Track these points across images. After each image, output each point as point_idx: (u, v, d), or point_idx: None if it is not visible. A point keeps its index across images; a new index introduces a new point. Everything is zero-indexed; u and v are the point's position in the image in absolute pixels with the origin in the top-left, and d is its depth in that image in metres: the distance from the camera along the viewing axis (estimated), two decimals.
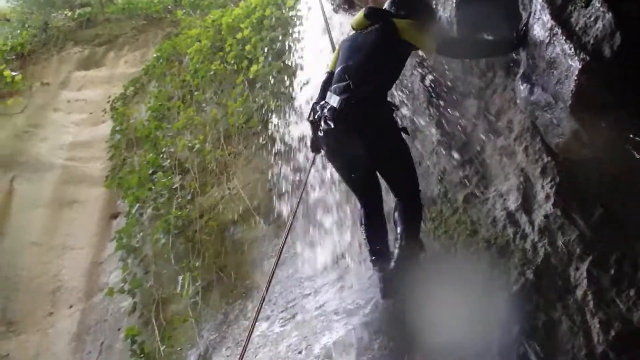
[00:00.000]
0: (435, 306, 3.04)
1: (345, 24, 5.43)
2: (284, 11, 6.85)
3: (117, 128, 8.10)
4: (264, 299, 3.35)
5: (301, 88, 5.69)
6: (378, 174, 3.55)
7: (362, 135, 3.28)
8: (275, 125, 5.74)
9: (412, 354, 3.13)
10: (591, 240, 2.74)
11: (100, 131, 8.51)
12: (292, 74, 5.95)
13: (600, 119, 2.37)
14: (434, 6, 3.62)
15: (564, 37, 2.36)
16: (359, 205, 3.64)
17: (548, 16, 2.47)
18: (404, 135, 3.40)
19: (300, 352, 3.66)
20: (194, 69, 7.41)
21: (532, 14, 2.65)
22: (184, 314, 4.93)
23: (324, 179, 4.52)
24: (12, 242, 6.79)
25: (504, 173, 3.27)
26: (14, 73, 9.01)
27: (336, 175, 4.15)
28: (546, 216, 2.93)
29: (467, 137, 3.62)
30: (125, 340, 4.99)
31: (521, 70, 2.84)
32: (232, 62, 6.92)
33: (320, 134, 3.46)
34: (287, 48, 6.36)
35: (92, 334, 5.79)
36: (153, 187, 6.25)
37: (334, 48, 4.59)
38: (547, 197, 2.94)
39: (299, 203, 3.90)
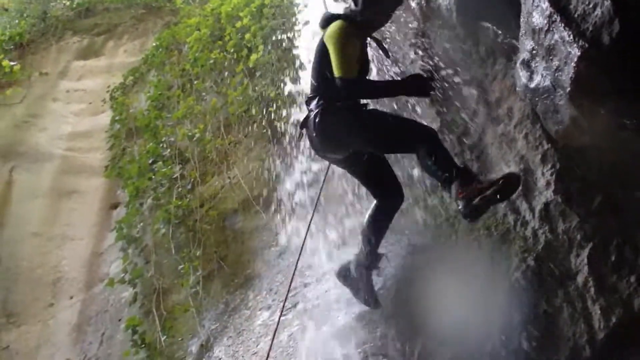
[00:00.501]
0: (436, 294, 3.05)
1: None
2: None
3: (117, 118, 8.03)
4: (289, 291, 3.52)
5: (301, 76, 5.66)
6: (382, 168, 3.52)
7: (339, 143, 3.29)
8: (275, 113, 5.72)
9: (413, 342, 3.14)
10: (592, 226, 2.74)
11: (99, 121, 8.45)
12: (292, 63, 5.92)
13: (600, 106, 2.37)
14: None
15: (563, 24, 2.35)
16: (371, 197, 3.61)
17: (547, 3, 2.45)
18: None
19: (301, 341, 3.67)
20: (193, 57, 7.35)
21: (531, 1, 2.63)
22: (184, 303, 4.93)
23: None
24: (12, 232, 6.76)
25: (504, 160, 3.26)
26: (12, 63, 8.92)
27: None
28: (546, 203, 2.93)
29: (467, 125, 3.61)
30: (126, 330, 4.99)
31: (521, 57, 2.83)
32: (232, 50, 6.88)
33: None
34: (286, 37, 6.33)
35: (93, 324, 5.78)
36: (153, 177, 6.22)
37: None
38: (548, 184, 2.94)
39: (319, 197, 3.93)
